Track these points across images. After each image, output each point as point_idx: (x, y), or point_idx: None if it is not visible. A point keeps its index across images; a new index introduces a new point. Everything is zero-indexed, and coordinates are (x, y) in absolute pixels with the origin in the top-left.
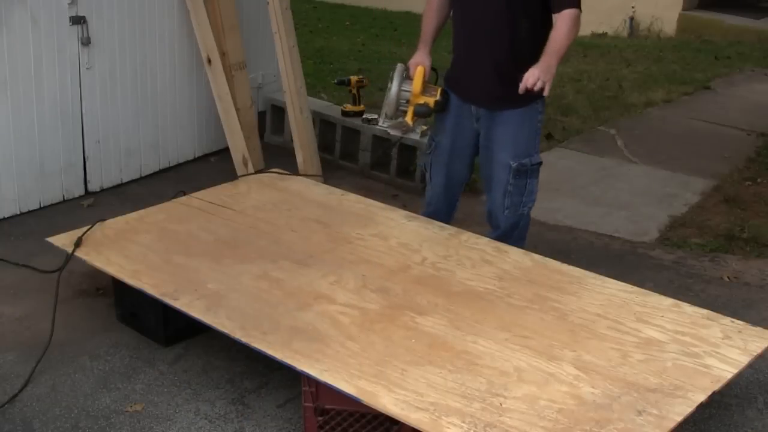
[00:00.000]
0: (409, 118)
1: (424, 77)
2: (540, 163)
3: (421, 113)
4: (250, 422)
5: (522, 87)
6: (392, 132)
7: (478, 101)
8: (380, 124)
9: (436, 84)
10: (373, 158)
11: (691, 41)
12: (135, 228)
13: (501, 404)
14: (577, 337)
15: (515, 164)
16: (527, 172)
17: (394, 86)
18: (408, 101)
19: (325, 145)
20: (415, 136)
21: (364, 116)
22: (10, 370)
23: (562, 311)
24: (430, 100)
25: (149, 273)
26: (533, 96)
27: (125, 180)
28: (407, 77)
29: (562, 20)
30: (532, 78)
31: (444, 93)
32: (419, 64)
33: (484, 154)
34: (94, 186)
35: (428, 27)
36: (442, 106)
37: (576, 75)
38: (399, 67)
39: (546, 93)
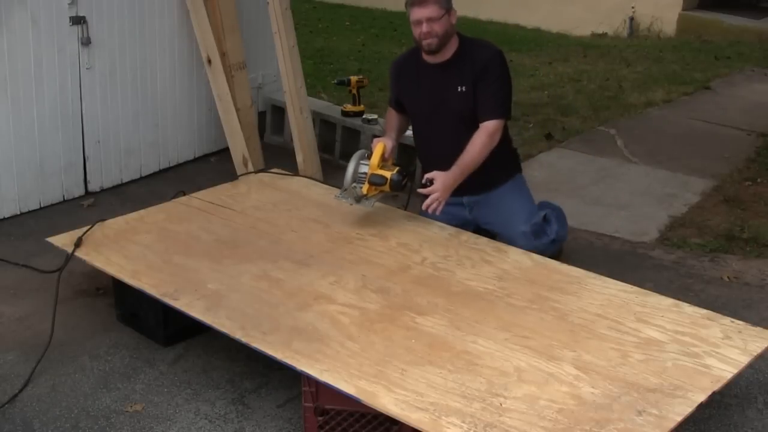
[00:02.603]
0: (365, 189)
1: (383, 154)
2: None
3: (375, 183)
4: (250, 422)
5: (424, 206)
6: (345, 200)
7: (465, 191)
8: (336, 195)
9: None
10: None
11: (691, 41)
12: (135, 228)
13: (501, 404)
14: (577, 337)
15: (529, 228)
16: (541, 227)
17: (351, 163)
18: (366, 174)
19: (325, 145)
20: (367, 205)
21: (364, 116)
22: (10, 370)
23: (562, 311)
24: (387, 173)
25: (149, 273)
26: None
27: (125, 180)
28: (368, 157)
29: (480, 132)
30: (429, 201)
31: (402, 171)
32: (381, 142)
33: (496, 229)
34: (94, 186)
35: (390, 131)
36: (398, 183)
37: (576, 75)
38: (359, 151)
39: (433, 211)
